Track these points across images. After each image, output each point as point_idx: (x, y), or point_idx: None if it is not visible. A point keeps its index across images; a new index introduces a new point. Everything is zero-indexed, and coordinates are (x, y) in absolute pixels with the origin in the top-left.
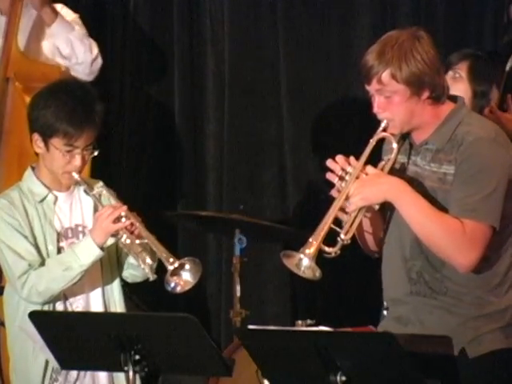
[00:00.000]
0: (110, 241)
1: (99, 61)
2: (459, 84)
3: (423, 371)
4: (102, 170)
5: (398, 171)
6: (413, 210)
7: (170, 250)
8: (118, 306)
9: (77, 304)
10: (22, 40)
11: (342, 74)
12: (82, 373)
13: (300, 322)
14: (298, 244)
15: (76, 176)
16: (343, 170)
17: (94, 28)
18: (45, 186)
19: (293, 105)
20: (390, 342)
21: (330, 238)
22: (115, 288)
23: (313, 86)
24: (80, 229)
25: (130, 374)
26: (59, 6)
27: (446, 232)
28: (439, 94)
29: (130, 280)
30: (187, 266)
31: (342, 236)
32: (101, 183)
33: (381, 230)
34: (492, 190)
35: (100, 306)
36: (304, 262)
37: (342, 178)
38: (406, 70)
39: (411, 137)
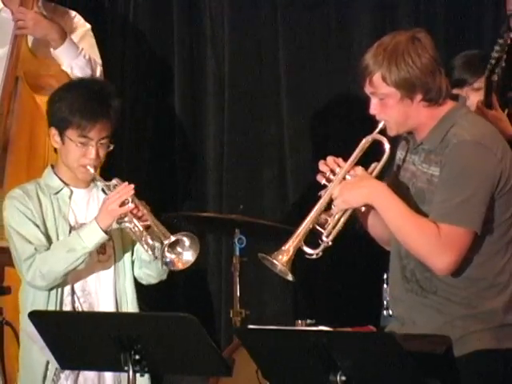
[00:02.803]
0: (115, 226)
1: None
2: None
3: (424, 371)
4: (102, 170)
5: (398, 169)
6: (391, 213)
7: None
8: (129, 305)
9: (84, 299)
10: (31, 39)
11: (341, 74)
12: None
13: (300, 321)
14: None
15: (91, 170)
16: (332, 171)
17: (94, 28)
18: (62, 181)
19: (293, 105)
20: (390, 342)
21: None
22: (128, 287)
23: (313, 86)
24: (89, 221)
25: (130, 373)
26: (73, 14)
27: (420, 236)
28: (434, 97)
29: (144, 281)
30: (186, 243)
31: (324, 238)
32: (115, 180)
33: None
34: (470, 195)
35: (111, 305)
36: (277, 268)
37: (329, 180)
38: (395, 74)
39: (413, 135)
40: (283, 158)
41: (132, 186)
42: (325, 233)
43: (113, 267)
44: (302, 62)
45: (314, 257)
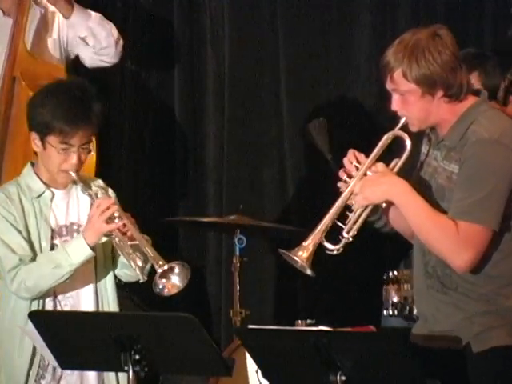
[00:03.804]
0: (104, 238)
1: (121, 41)
2: None
3: (424, 371)
4: (102, 170)
5: (420, 165)
6: (410, 210)
7: (161, 253)
8: (111, 304)
9: (65, 302)
10: (28, 39)
11: (342, 74)
12: (69, 370)
13: (300, 321)
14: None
15: (73, 175)
16: (355, 167)
17: None
18: (43, 182)
19: (293, 105)
20: (390, 342)
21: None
22: (109, 286)
23: (313, 86)
24: (75, 227)
25: (131, 373)
26: None
27: (440, 233)
28: (455, 93)
29: (124, 279)
30: (176, 270)
31: (345, 234)
32: (99, 182)
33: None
34: (488, 193)
35: (91, 305)
36: (297, 264)
37: (350, 176)
38: (415, 70)
39: (436, 131)
40: (283, 158)
41: (112, 200)
42: (345, 229)
43: (93, 268)
44: (302, 62)
45: (335, 252)
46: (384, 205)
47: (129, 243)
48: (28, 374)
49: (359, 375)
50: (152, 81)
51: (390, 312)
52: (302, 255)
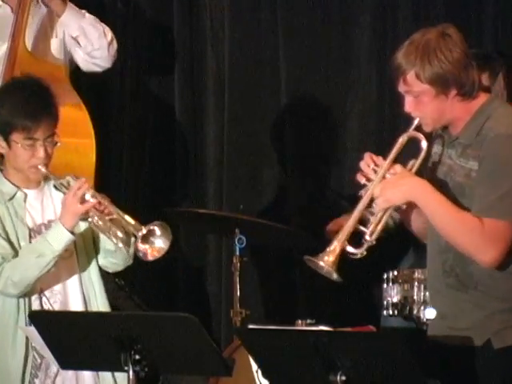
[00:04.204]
0: (83, 226)
1: (115, 44)
2: None
3: (424, 371)
4: (102, 171)
5: (434, 164)
6: (433, 209)
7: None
8: (98, 298)
9: (54, 299)
10: (29, 39)
11: (342, 74)
12: None
13: (300, 321)
14: (298, 244)
15: (43, 169)
16: (372, 170)
17: None
18: (13, 184)
19: (293, 105)
20: (390, 342)
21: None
22: (94, 277)
23: (313, 86)
24: (53, 224)
25: (131, 373)
26: None
27: (465, 231)
28: (468, 91)
29: (110, 269)
30: (157, 232)
31: (367, 237)
32: (69, 177)
33: (423, 221)
34: (510, 188)
35: (79, 300)
36: (323, 270)
37: (369, 179)
38: (428, 71)
39: (448, 129)
40: (283, 158)
41: (83, 179)
42: (368, 232)
43: (76, 263)
44: (302, 62)
45: (358, 256)
46: (404, 206)
47: (107, 218)
48: (23, 375)
49: (359, 375)
50: (152, 81)
51: (390, 312)
52: (327, 260)
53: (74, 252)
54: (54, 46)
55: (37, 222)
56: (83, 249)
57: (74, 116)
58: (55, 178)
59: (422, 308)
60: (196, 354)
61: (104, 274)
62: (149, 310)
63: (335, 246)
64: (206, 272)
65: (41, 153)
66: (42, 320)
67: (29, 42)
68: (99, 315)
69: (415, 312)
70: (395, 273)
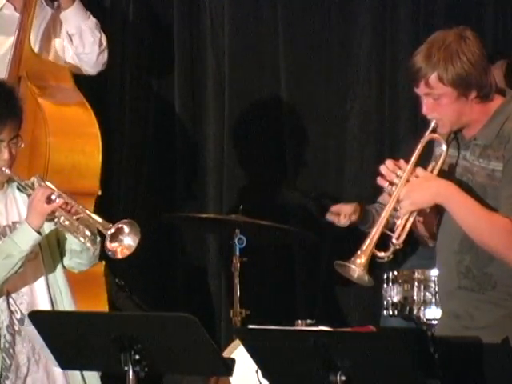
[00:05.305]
0: (49, 227)
1: (105, 55)
2: None
3: (424, 371)
4: (102, 171)
5: (449, 166)
6: (462, 211)
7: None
8: (64, 298)
9: (21, 300)
10: (34, 38)
11: (342, 74)
12: (34, 368)
13: (300, 321)
14: (298, 244)
15: (7, 171)
16: (395, 173)
17: None
18: None
19: (293, 105)
20: (390, 342)
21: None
22: (59, 279)
23: (313, 86)
24: (18, 226)
25: (131, 373)
26: None
27: (495, 231)
28: (487, 93)
29: (76, 270)
30: (126, 230)
31: (394, 240)
32: (34, 178)
33: (434, 223)
34: None
35: (46, 301)
36: (355, 273)
37: (392, 183)
38: (452, 73)
39: (461, 131)
40: (283, 158)
41: (47, 183)
42: (394, 235)
43: (42, 264)
44: (301, 63)
45: (386, 260)
46: (428, 209)
47: (74, 217)
48: None
49: (359, 375)
50: (152, 81)
51: (390, 312)
52: (359, 263)
53: (39, 253)
54: (58, 46)
55: (1, 223)
56: (48, 250)
57: (80, 116)
58: (19, 179)
59: (422, 308)
60: (196, 354)
61: (105, 274)
62: (149, 309)
63: (363, 251)
64: (206, 272)
65: (5, 155)
66: (42, 320)
67: (33, 41)
68: (99, 315)
69: (415, 312)
70: (395, 273)
